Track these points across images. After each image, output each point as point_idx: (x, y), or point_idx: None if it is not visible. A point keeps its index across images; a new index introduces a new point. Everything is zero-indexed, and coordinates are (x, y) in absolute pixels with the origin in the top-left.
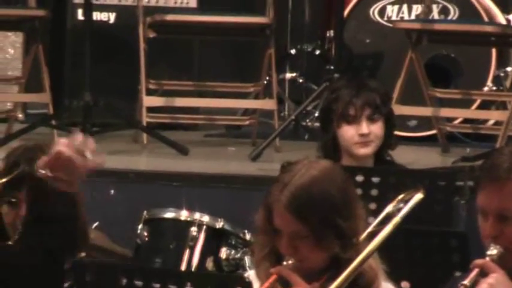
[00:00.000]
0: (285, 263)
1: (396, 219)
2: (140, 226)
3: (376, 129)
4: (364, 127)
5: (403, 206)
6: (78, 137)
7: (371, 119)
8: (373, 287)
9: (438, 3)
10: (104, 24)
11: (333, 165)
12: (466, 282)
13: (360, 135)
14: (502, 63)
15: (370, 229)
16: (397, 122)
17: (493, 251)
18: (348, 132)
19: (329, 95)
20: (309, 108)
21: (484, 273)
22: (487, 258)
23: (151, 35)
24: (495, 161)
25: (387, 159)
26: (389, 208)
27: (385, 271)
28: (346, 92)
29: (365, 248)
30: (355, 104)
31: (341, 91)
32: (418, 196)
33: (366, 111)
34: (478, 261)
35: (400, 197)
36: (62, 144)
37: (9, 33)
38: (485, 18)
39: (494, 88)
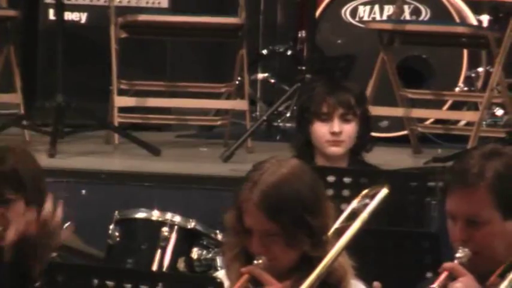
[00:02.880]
0: (255, 262)
1: (363, 215)
2: (112, 226)
3: (349, 129)
4: (336, 126)
5: (369, 201)
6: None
7: (344, 119)
8: (343, 284)
9: (410, 3)
10: (75, 24)
11: (302, 164)
12: (435, 285)
13: (332, 133)
14: (473, 64)
15: (336, 226)
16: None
17: (461, 254)
18: (320, 130)
19: (304, 93)
20: (281, 108)
21: (453, 277)
22: (456, 262)
23: (123, 35)
24: (464, 165)
25: (359, 159)
26: (354, 204)
27: (354, 268)
28: (320, 90)
29: (333, 246)
30: (328, 101)
31: (316, 89)
32: (384, 191)
33: (339, 110)
34: (447, 265)
35: (365, 192)
36: None
37: None
38: (457, 19)
39: (465, 89)
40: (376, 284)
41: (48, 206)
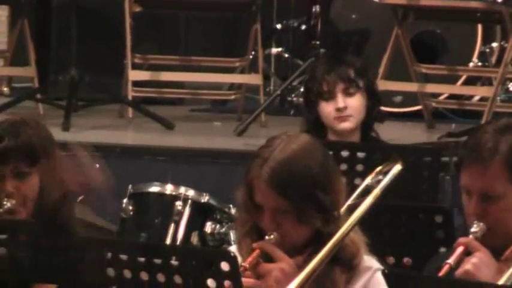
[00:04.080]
0: (267, 237)
1: (376, 191)
2: (125, 200)
3: (353, 102)
4: (340, 101)
5: (382, 178)
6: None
7: (347, 93)
8: (355, 260)
9: None
10: None
11: (312, 139)
12: (450, 261)
13: (337, 109)
14: (487, 39)
15: (349, 202)
16: (381, 96)
17: (476, 228)
18: (326, 109)
19: (307, 75)
20: (295, 83)
21: (468, 252)
22: (471, 236)
23: (137, 9)
24: (478, 140)
25: (372, 135)
26: (368, 180)
27: (367, 244)
28: (319, 70)
29: (346, 222)
30: (327, 80)
31: (316, 69)
32: (397, 167)
33: (340, 86)
34: (462, 240)
35: (378, 168)
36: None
37: None
38: None
39: (479, 64)
40: (389, 259)
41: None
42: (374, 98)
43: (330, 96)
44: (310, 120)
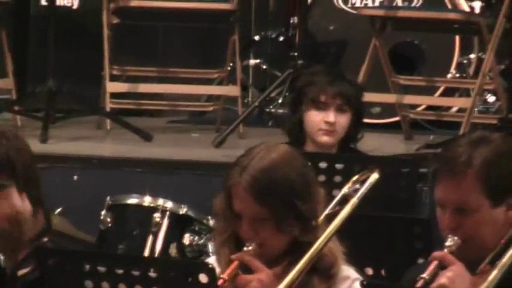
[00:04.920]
0: (245, 248)
1: (353, 200)
2: (103, 212)
3: (343, 120)
4: (332, 116)
5: (360, 187)
6: None
7: (340, 110)
8: (333, 270)
9: None
10: (67, 9)
11: (291, 149)
12: (425, 275)
13: (326, 122)
14: (465, 51)
15: (327, 211)
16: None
17: (451, 242)
18: (314, 118)
19: (304, 77)
20: (273, 94)
21: (443, 266)
22: (446, 250)
23: (115, 20)
24: (452, 153)
25: (351, 146)
26: (345, 189)
27: (345, 254)
28: (321, 78)
29: (324, 231)
30: (328, 91)
31: (317, 76)
32: (374, 176)
33: (337, 101)
34: (437, 254)
35: (355, 178)
36: None
37: None
38: (449, 6)
39: (457, 75)
40: (368, 270)
41: (16, 200)
42: (359, 120)
43: (324, 108)
44: (290, 128)
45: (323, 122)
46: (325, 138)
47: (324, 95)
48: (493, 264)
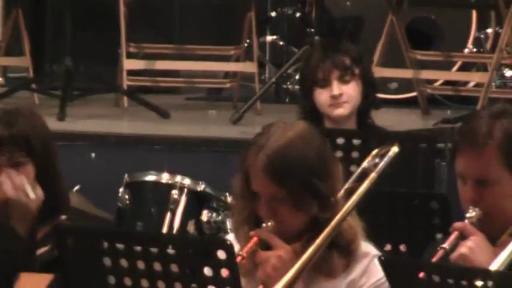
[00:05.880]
0: (264, 225)
1: (373, 175)
2: (121, 189)
3: (349, 89)
4: (335, 88)
5: (379, 161)
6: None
7: (342, 80)
8: (353, 246)
9: None
10: None
11: (309, 127)
12: (445, 245)
13: (332, 97)
14: (482, 25)
15: (346, 186)
16: (377, 83)
17: (472, 213)
18: (321, 96)
19: (304, 61)
20: (290, 71)
21: (463, 236)
22: (466, 221)
23: None
24: (473, 125)
25: (368, 122)
26: (364, 164)
27: (364, 230)
28: (314, 57)
29: (343, 207)
30: (322, 67)
31: (311, 56)
32: (394, 150)
33: (335, 73)
34: (458, 224)
35: (375, 152)
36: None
37: None
38: None
39: (474, 50)
40: (388, 247)
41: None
42: (369, 85)
43: (325, 84)
44: (306, 108)
45: (329, 97)
46: (337, 111)
47: (320, 71)
48: None
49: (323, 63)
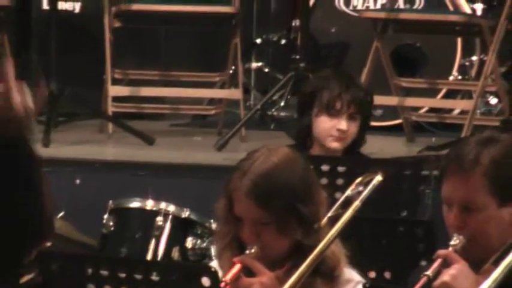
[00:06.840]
0: (247, 251)
1: (356, 203)
2: (106, 216)
3: (353, 127)
4: (344, 124)
5: (363, 189)
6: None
7: (352, 117)
8: (336, 272)
9: None
10: (69, 13)
11: (293, 152)
12: (428, 272)
13: (338, 130)
14: (467, 53)
15: (330, 214)
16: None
17: (456, 241)
18: (326, 124)
19: (315, 81)
20: (275, 97)
21: (447, 264)
22: (450, 249)
23: (117, 24)
24: (460, 151)
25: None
26: (348, 192)
27: (347, 256)
28: (335, 84)
29: (326, 234)
30: (343, 98)
31: (330, 81)
32: (377, 178)
33: (351, 109)
34: (441, 252)
35: (359, 180)
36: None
37: None
38: (451, 8)
39: (459, 77)
40: (371, 274)
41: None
42: (366, 125)
43: (336, 114)
44: (298, 131)
45: (334, 128)
46: (335, 144)
47: (339, 102)
48: (496, 264)
49: (345, 94)
